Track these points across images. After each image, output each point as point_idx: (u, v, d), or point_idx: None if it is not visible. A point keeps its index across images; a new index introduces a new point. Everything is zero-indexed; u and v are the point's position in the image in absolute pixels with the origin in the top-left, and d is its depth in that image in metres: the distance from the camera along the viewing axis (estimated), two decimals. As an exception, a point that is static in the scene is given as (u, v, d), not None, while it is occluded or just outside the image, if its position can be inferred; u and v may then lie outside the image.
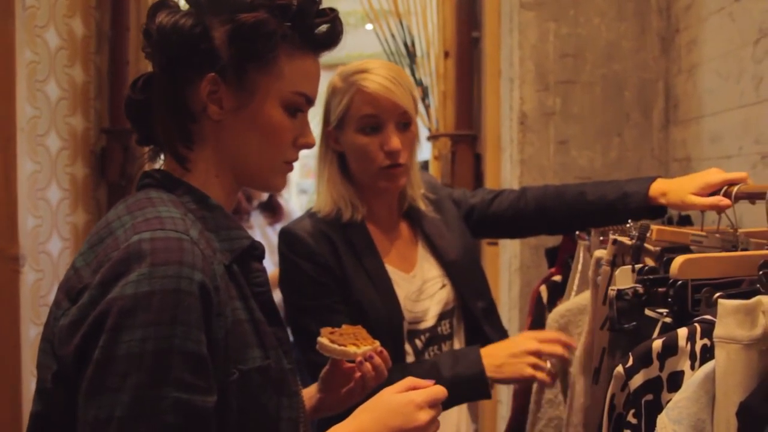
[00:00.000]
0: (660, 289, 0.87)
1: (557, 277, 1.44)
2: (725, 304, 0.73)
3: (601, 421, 0.89)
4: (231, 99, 0.84)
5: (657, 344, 0.85)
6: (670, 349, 0.84)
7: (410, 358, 1.29)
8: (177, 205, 0.81)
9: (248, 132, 0.85)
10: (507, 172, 2.12)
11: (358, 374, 1.02)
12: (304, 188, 5.94)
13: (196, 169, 0.86)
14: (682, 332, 0.85)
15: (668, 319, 0.87)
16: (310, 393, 1.07)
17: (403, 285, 1.32)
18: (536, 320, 1.42)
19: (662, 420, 0.76)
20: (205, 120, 0.85)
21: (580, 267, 1.32)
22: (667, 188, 1.23)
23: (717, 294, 0.83)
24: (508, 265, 2.10)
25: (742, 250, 1.02)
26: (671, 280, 0.85)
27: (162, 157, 0.90)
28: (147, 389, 0.69)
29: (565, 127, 2.01)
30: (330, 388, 1.06)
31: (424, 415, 0.82)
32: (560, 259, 1.51)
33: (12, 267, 1.93)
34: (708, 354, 0.79)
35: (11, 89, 1.92)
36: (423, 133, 2.53)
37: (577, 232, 1.46)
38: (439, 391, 0.85)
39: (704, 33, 1.81)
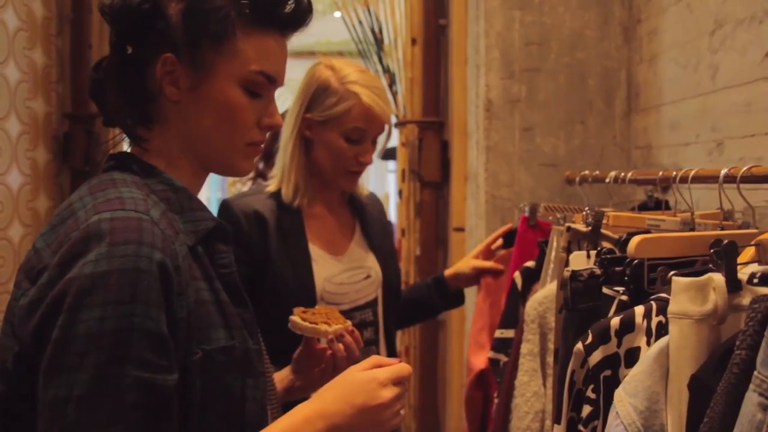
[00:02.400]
0: (617, 269, 0.90)
1: (530, 263, 1.46)
2: (679, 282, 0.77)
3: (562, 398, 0.92)
4: (187, 79, 0.83)
5: (615, 322, 0.89)
6: (628, 327, 0.88)
7: None
8: (140, 187, 0.81)
9: (206, 112, 0.84)
10: (473, 158, 2.15)
11: (329, 353, 1.04)
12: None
13: (158, 150, 0.86)
14: (639, 310, 0.88)
15: (625, 297, 0.90)
16: (282, 375, 1.08)
17: (325, 266, 1.42)
18: (510, 308, 1.44)
19: (619, 394, 0.79)
20: (162, 100, 0.84)
21: (554, 254, 1.35)
22: (453, 269, 1.67)
23: (671, 272, 0.86)
24: (474, 250, 2.14)
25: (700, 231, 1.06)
26: (628, 260, 0.88)
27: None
28: (106, 368, 0.69)
29: (530, 115, 2.05)
30: (302, 368, 1.07)
31: (388, 392, 0.83)
32: (519, 242, 1.55)
33: (-28, 253, 1.89)
34: (663, 330, 0.82)
35: (-31, 71, 1.88)
36: (390, 119, 2.55)
37: (549, 218, 1.52)
38: (404, 368, 0.86)
39: (664, 23, 1.86)
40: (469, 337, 1.67)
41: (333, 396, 0.83)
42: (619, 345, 0.88)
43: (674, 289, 0.77)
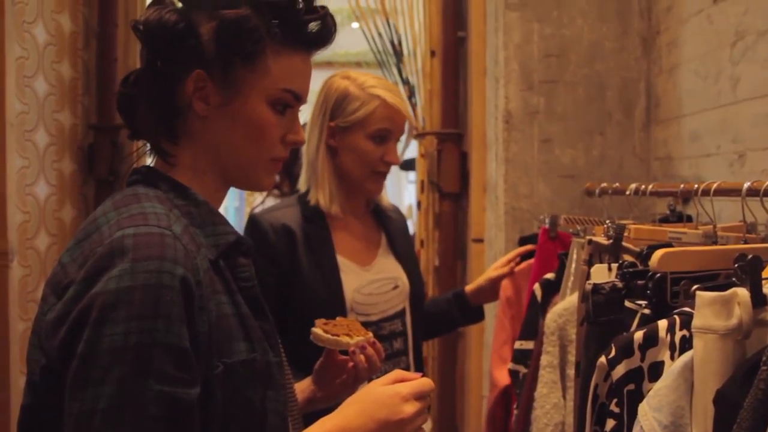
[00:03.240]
0: (639, 282, 0.90)
1: (550, 275, 1.47)
2: (703, 296, 0.76)
3: (584, 411, 0.92)
4: (217, 95, 0.85)
5: (638, 336, 0.89)
6: (651, 341, 0.88)
7: None
8: (163, 201, 0.82)
9: (234, 128, 0.86)
10: (492, 169, 2.16)
11: (351, 364, 1.05)
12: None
13: (183, 165, 0.87)
14: (662, 324, 0.88)
15: (647, 311, 0.90)
16: (303, 386, 1.09)
17: (354, 277, 1.44)
18: (530, 319, 1.45)
19: (643, 408, 0.80)
20: (191, 116, 0.86)
21: (573, 266, 1.35)
22: (473, 284, 1.68)
23: (695, 286, 0.86)
24: (493, 261, 2.14)
25: (722, 244, 1.06)
26: (650, 273, 0.88)
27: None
28: (130, 381, 0.71)
29: (548, 126, 2.05)
30: (323, 379, 1.08)
31: (410, 407, 0.83)
32: (539, 254, 1.55)
33: (1, 262, 1.93)
34: (687, 345, 0.82)
35: (0, 84, 1.92)
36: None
37: (569, 230, 1.53)
38: (426, 383, 0.86)
39: (684, 34, 1.86)
40: (491, 352, 1.66)
41: (355, 411, 0.83)
42: (642, 359, 0.88)
43: (698, 303, 0.77)
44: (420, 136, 2.44)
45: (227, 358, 0.79)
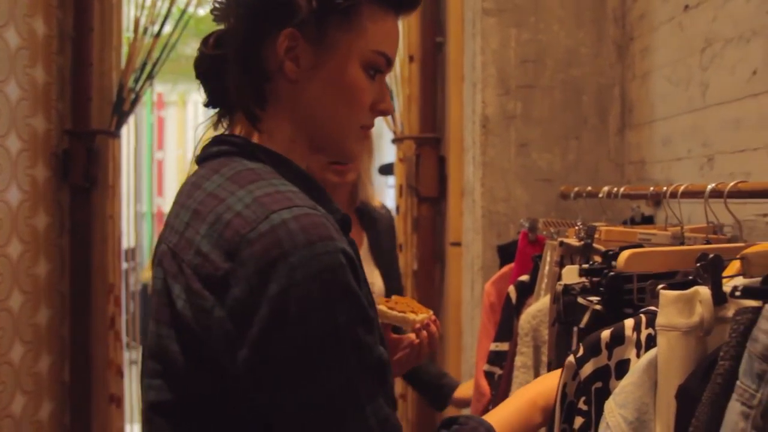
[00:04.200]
0: (595, 279, 0.92)
1: (525, 277, 1.48)
2: (666, 295, 0.78)
3: (553, 410, 0.93)
4: (309, 56, 0.80)
5: (605, 334, 0.90)
6: (618, 339, 0.89)
7: None
8: (282, 178, 0.78)
9: (326, 92, 0.81)
10: (470, 174, 2.17)
11: (416, 341, 1.03)
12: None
13: (271, 133, 0.82)
14: (629, 323, 0.90)
15: (598, 307, 0.92)
16: None
17: None
18: (505, 321, 1.45)
19: (609, 405, 0.81)
20: (280, 79, 0.81)
21: (547, 267, 1.37)
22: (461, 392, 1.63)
23: (660, 285, 0.88)
24: (471, 265, 2.15)
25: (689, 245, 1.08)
26: (605, 271, 0.90)
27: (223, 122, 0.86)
28: (349, 360, 0.71)
29: (525, 131, 2.07)
30: None
31: None
32: (519, 257, 1.56)
33: (-28, 269, 1.90)
34: (652, 342, 0.83)
35: (-29, 89, 1.90)
36: (388, 136, 2.58)
37: (544, 232, 1.53)
38: None
39: (656, 41, 1.89)
40: (476, 360, 1.65)
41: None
42: (609, 357, 0.89)
43: (662, 302, 0.78)
44: (398, 140, 2.45)
45: None
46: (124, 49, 2.53)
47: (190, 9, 2.48)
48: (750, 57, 1.43)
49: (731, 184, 0.97)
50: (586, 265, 0.97)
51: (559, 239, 1.13)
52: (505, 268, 1.64)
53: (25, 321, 2.32)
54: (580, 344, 0.90)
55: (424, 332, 1.04)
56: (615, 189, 1.42)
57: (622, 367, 0.87)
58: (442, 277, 2.41)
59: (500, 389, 1.33)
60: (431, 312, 1.06)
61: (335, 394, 0.71)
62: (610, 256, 0.94)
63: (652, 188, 1.23)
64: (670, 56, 1.80)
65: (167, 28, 2.50)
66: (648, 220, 1.59)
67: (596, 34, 2.10)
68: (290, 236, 0.71)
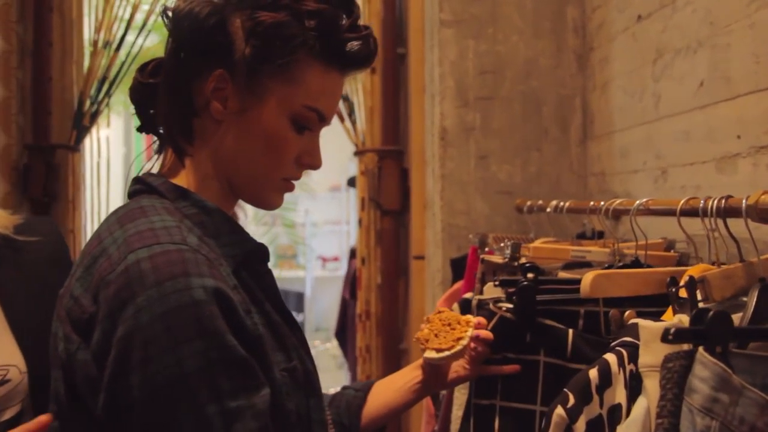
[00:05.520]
0: (510, 290, 0.89)
1: (469, 294, 1.45)
2: (649, 327, 0.69)
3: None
4: (237, 100, 0.79)
5: (594, 375, 0.77)
6: (606, 380, 0.77)
7: None
8: (171, 213, 0.76)
9: (247, 139, 0.79)
10: (430, 186, 2.15)
11: (473, 354, 0.98)
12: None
13: (194, 168, 0.81)
14: (612, 359, 0.78)
15: (509, 315, 0.88)
16: (407, 377, 1.02)
17: None
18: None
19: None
20: (207, 117, 0.80)
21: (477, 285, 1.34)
22: None
23: (630, 316, 0.81)
24: (432, 279, 2.12)
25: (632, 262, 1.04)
26: (519, 282, 0.87)
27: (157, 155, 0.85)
28: (205, 410, 0.66)
29: (485, 143, 2.05)
30: (438, 377, 1.01)
31: None
32: (469, 274, 1.53)
33: None
34: (634, 381, 0.74)
35: None
36: (349, 148, 2.55)
37: (494, 247, 1.50)
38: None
39: (613, 52, 1.87)
40: None
41: None
42: (601, 404, 0.77)
43: (644, 336, 0.69)
44: (360, 153, 2.42)
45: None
46: (86, 64, 2.50)
47: (150, 22, 2.45)
48: (696, 68, 1.40)
49: (637, 202, 0.95)
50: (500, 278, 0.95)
51: (482, 256, 1.10)
52: (457, 285, 1.61)
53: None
54: (567, 391, 0.77)
55: (473, 345, 0.97)
56: (561, 204, 1.40)
57: (614, 416, 0.76)
58: (406, 291, 2.38)
59: (443, 409, 1.30)
60: (469, 316, 0.98)
61: None
62: (524, 270, 0.91)
63: (591, 203, 1.21)
64: (625, 67, 1.78)
65: (128, 41, 2.47)
66: (600, 236, 1.56)
67: (556, 44, 2.08)
68: (140, 276, 0.68)
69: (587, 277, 0.89)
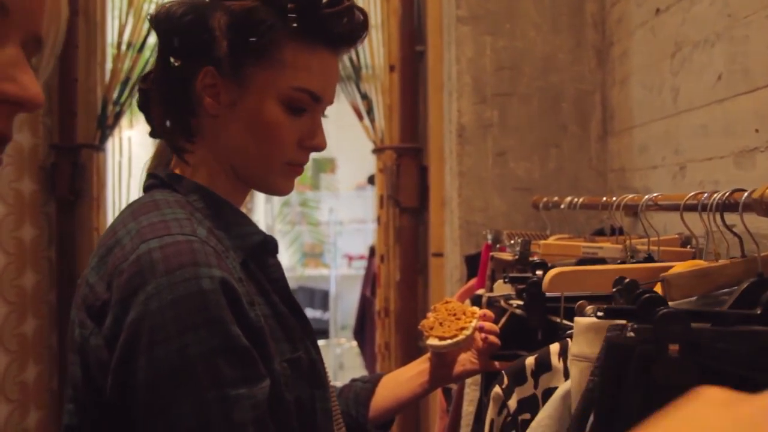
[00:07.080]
0: (520, 286, 0.89)
1: (481, 291, 1.45)
2: (579, 323, 0.75)
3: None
4: (228, 93, 0.80)
5: (530, 361, 0.86)
6: (544, 366, 0.85)
7: None
8: (183, 206, 0.79)
9: (245, 129, 0.81)
10: (448, 183, 2.14)
11: (479, 346, 0.99)
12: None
13: (200, 164, 0.83)
14: (554, 348, 0.86)
15: (519, 311, 0.89)
16: (414, 369, 1.04)
17: None
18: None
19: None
20: (203, 114, 0.82)
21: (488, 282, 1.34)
22: None
23: (582, 306, 0.84)
24: (450, 276, 2.12)
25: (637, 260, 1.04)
26: (530, 279, 0.87)
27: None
28: (205, 395, 0.67)
29: (503, 139, 2.04)
30: (444, 368, 1.01)
31: None
32: (482, 270, 1.53)
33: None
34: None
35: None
36: (368, 146, 2.56)
37: (498, 245, 1.49)
38: None
39: (632, 46, 1.85)
40: None
41: None
42: (536, 386, 0.85)
43: (576, 330, 0.75)
44: (379, 150, 2.42)
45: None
46: (109, 65, 2.55)
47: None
48: (714, 61, 1.38)
49: (646, 197, 0.93)
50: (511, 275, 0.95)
51: (492, 254, 1.10)
52: (472, 281, 1.60)
53: (10, 331, 2.35)
54: (504, 373, 0.87)
55: (481, 335, 0.97)
56: (575, 200, 1.39)
57: (549, 396, 0.81)
58: (425, 289, 2.38)
59: (453, 405, 1.30)
60: (476, 309, 0.98)
61: (192, 429, 0.68)
62: (533, 266, 0.91)
63: (604, 198, 1.20)
64: (644, 61, 1.76)
65: (150, 43, 2.51)
66: (620, 232, 1.54)
67: (575, 39, 2.05)
68: (151, 265, 0.71)
69: (549, 274, 0.89)
